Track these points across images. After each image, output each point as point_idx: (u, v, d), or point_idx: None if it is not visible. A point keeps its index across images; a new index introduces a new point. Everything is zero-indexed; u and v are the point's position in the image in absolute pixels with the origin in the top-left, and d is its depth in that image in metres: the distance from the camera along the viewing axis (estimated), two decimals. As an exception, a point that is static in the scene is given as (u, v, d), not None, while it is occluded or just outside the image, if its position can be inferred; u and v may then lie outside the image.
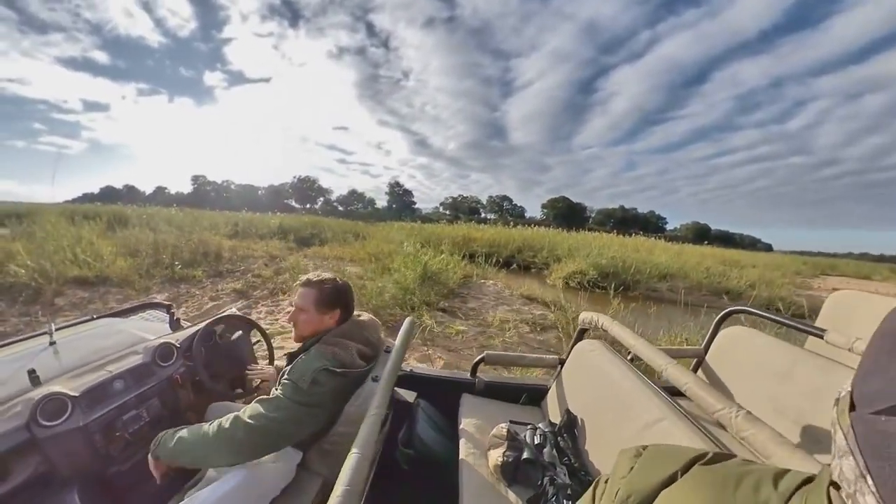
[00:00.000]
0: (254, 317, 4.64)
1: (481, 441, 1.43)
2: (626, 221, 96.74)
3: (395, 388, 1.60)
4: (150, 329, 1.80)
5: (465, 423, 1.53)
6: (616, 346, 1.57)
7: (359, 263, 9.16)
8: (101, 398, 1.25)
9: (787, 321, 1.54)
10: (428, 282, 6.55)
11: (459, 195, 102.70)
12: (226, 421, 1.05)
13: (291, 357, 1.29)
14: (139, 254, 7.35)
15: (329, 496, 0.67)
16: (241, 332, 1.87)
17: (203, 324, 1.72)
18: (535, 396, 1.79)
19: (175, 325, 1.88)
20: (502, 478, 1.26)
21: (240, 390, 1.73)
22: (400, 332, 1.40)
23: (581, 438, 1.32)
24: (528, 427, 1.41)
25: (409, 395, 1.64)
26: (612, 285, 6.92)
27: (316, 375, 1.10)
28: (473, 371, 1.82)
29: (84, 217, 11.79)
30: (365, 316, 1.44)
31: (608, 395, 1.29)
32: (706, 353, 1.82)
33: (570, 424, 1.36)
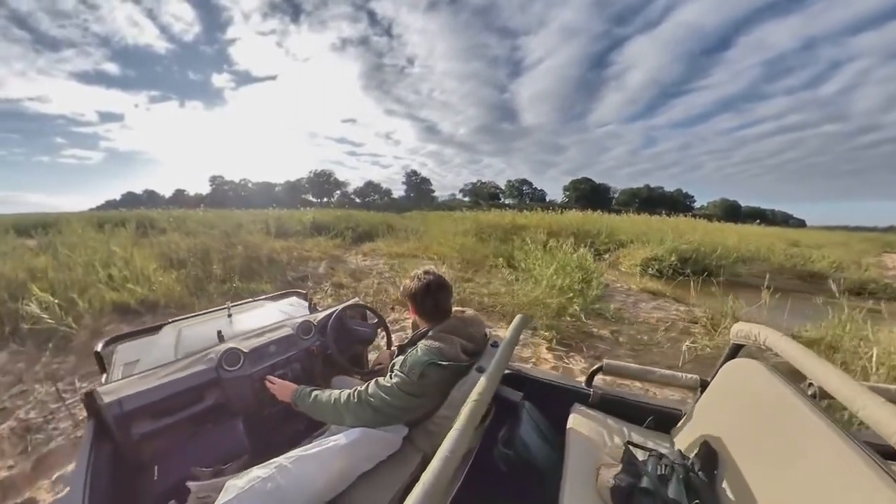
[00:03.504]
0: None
1: (591, 458, 1.30)
2: (653, 201, 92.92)
3: (501, 386, 1.48)
4: (295, 310, 2.26)
5: (575, 435, 1.40)
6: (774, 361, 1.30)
7: (443, 263, 7.70)
8: (261, 357, 1.61)
9: None
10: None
11: (478, 181, 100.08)
12: (352, 393, 1.24)
13: (402, 349, 1.40)
14: (184, 264, 6.12)
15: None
16: (364, 318, 2.14)
17: (336, 308, 1.94)
18: (663, 420, 1.50)
19: (312, 308, 2.31)
20: (611, 502, 1.12)
21: (359, 368, 1.87)
22: (510, 328, 1.40)
23: (721, 480, 1.10)
24: (651, 454, 1.19)
25: (514, 395, 1.50)
26: (698, 272, 6.44)
27: (424, 369, 1.19)
28: (589, 380, 1.64)
29: (111, 224, 10.81)
30: (469, 312, 1.48)
31: (770, 435, 1.03)
32: None
33: (709, 461, 1.14)
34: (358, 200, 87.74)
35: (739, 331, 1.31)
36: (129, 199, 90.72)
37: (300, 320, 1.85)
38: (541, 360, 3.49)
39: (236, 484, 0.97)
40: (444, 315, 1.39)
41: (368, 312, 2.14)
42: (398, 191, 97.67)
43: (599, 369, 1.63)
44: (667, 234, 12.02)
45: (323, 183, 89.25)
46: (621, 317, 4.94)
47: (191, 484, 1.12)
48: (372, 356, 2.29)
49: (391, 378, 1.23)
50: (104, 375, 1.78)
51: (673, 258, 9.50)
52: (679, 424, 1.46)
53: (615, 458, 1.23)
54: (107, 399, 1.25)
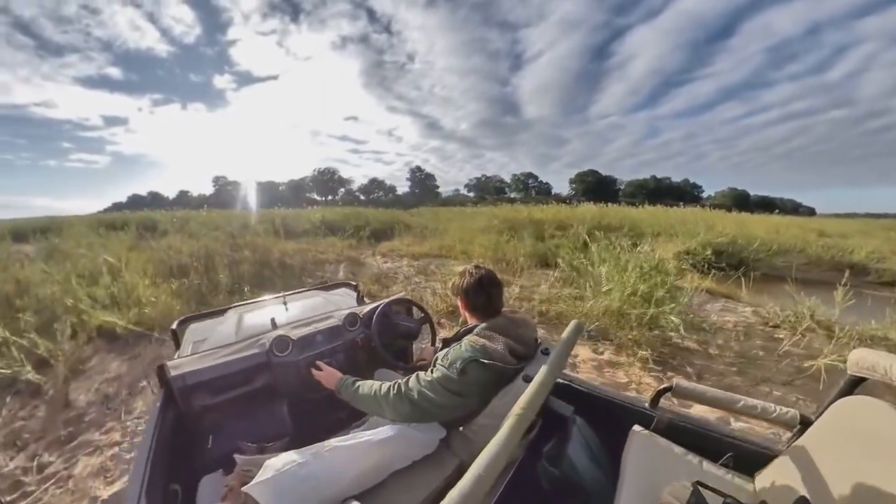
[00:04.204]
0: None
1: (650, 492, 1.14)
2: (660, 192, 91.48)
3: (551, 397, 1.41)
4: (343, 302, 2.34)
5: (633, 463, 1.24)
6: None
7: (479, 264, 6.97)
8: (308, 345, 1.66)
9: None
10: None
11: (483, 175, 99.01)
12: (392, 386, 1.22)
13: (446, 343, 1.35)
14: (186, 271, 5.47)
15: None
16: (409, 313, 2.16)
17: (382, 302, 1.95)
18: (744, 459, 1.24)
19: (360, 300, 2.42)
20: None
21: (403, 363, 1.86)
22: (564, 335, 1.29)
23: None
24: (727, 500, 1.01)
25: (565, 409, 1.39)
26: (734, 266, 5.89)
27: (465, 365, 1.14)
28: (654, 401, 1.40)
29: (108, 228, 10.20)
30: (520, 314, 1.42)
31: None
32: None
33: None
34: (362, 198, 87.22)
35: (860, 360, 1.04)
36: (135, 201, 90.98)
37: (347, 312, 1.88)
38: (642, 387, 2.83)
39: (274, 464, 0.99)
40: (495, 312, 1.36)
41: (414, 307, 2.16)
42: (402, 187, 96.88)
43: (667, 390, 1.41)
44: (695, 225, 11.38)
45: (327, 181, 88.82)
46: (693, 322, 4.25)
47: (237, 456, 1.17)
48: (417, 352, 2.26)
49: (432, 372, 1.21)
50: (177, 351, 1.93)
51: (708, 252, 8.87)
52: (767, 468, 1.22)
53: (679, 498, 1.06)
54: (173, 373, 1.37)
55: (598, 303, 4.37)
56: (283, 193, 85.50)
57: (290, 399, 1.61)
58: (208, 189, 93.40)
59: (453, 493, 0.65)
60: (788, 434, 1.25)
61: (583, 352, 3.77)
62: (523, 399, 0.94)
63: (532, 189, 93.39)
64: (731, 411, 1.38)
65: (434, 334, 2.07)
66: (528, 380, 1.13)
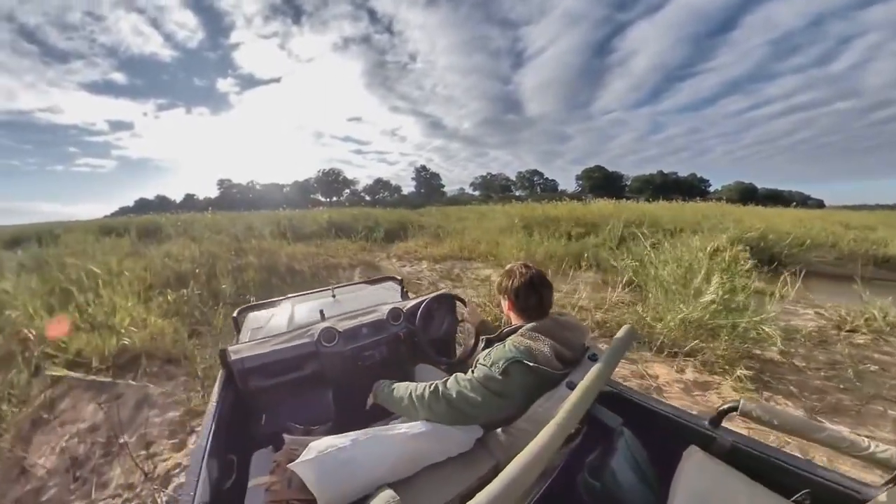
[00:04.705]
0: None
1: None
2: (667, 187, 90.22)
3: (598, 406, 1.32)
4: (388, 296, 2.41)
5: (685, 486, 1.08)
6: None
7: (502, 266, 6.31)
8: (353, 337, 1.75)
9: None
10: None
11: (488, 174, 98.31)
12: (429, 387, 1.19)
13: (489, 342, 1.33)
14: (185, 281, 4.86)
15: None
16: (453, 309, 2.14)
17: (426, 298, 1.98)
18: (825, 500, 1.01)
19: (404, 295, 2.46)
20: None
21: (445, 359, 1.88)
22: (614, 341, 1.24)
23: None
24: None
25: (612, 420, 1.29)
26: (765, 262, 5.40)
27: (508, 365, 1.11)
28: (716, 420, 1.21)
29: (116, 232, 9.67)
30: (568, 316, 1.36)
31: None
32: None
33: None
34: (367, 198, 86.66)
35: None
36: (142, 205, 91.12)
37: (391, 306, 1.93)
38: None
39: (317, 446, 1.03)
40: (543, 313, 1.30)
41: (458, 304, 2.14)
42: (407, 187, 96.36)
43: (733, 409, 1.16)
44: (721, 219, 10.72)
45: (332, 182, 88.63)
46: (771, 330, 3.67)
47: (286, 436, 1.22)
48: (459, 349, 2.24)
49: (473, 372, 1.18)
50: (237, 336, 2.05)
51: (739, 247, 8.33)
52: None
53: None
54: (233, 357, 1.53)
55: (672, 311, 3.72)
56: (287, 195, 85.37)
57: (335, 387, 1.70)
58: (214, 192, 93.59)
59: (485, 493, 0.66)
60: (884, 474, 1.02)
61: (661, 371, 3.15)
62: (566, 406, 0.92)
63: (537, 186, 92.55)
64: (811, 440, 1.12)
65: (477, 332, 1.95)
66: (571, 387, 1.09)
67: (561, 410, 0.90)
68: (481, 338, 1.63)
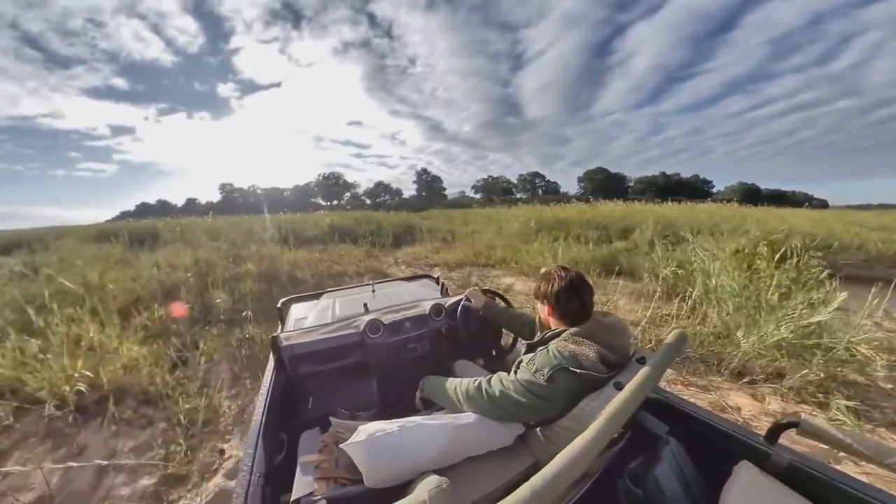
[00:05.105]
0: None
1: None
2: (670, 188, 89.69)
3: (643, 412, 1.28)
4: (426, 293, 2.40)
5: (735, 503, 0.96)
6: None
7: (525, 272, 5.73)
8: (397, 329, 1.81)
9: None
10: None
11: (489, 176, 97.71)
12: (473, 382, 1.22)
13: (530, 347, 1.31)
14: (176, 292, 4.34)
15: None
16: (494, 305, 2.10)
17: (465, 295, 1.96)
18: None
19: (444, 292, 2.51)
20: None
21: (484, 355, 1.93)
22: (664, 345, 1.19)
23: None
24: None
25: (658, 427, 1.23)
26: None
27: (554, 373, 1.09)
28: (772, 436, 1.10)
29: (115, 237, 9.17)
30: (611, 317, 1.29)
31: None
32: None
33: None
34: (368, 202, 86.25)
35: None
36: (143, 210, 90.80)
37: (433, 302, 1.98)
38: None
39: (367, 429, 1.06)
40: (586, 316, 1.24)
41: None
42: (408, 190, 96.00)
43: (792, 425, 1.06)
44: (741, 221, 10.15)
45: (332, 185, 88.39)
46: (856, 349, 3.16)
47: (332, 419, 1.33)
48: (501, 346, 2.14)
49: (516, 374, 1.18)
50: (280, 325, 2.19)
51: (764, 250, 7.80)
52: None
53: None
54: (284, 343, 1.64)
55: (747, 328, 3.19)
56: (288, 199, 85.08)
57: (378, 376, 1.77)
58: (216, 196, 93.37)
59: (524, 489, 0.66)
60: None
61: (741, 401, 2.64)
62: (611, 408, 0.90)
63: (539, 189, 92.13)
64: (882, 467, 0.94)
65: (516, 333, 1.93)
66: (619, 387, 1.05)
67: (606, 411, 0.89)
68: (520, 341, 1.75)
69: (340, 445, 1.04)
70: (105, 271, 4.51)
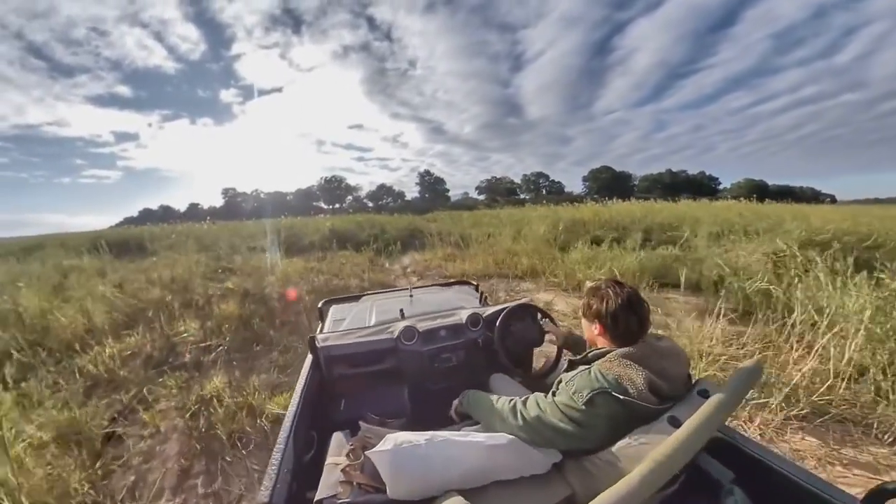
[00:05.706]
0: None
1: None
2: (676, 186, 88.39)
3: (704, 454, 1.06)
4: (465, 300, 2.36)
5: None
6: None
7: (565, 288, 4.82)
8: (432, 338, 1.77)
9: None
10: None
11: (492, 177, 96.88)
12: (507, 403, 1.15)
13: (572, 364, 1.21)
14: (141, 320, 3.52)
15: None
16: (534, 320, 1.96)
17: (507, 306, 1.88)
18: None
19: (483, 301, 2.45)
20: None
21: (521, 370, 1.80)
22: (734, 377, 0.98)
23: None
24: None
25: (721, 473, 1.02)
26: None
27: (593, 396, 0.98)
28: (872, 500, 0.84)
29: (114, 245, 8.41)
30: (665, 340, 1.12)
31: None
32: None
33: None
34: (371, 205, 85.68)
35: None
36: (146, 215, 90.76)
37: (470, 311, 1.90)
38: None
39: (395, 439, 1.03)
40: (637, 338, 1.09)
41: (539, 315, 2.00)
42: (411, 193, 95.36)
43: (889, 494, 0.79)
44: (778, 220, 9.31)
45: (334, 189, 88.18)
46: None
47: (362, 423, 1.28)
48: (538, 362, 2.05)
49: (553, 395, 1.10)
50: (320, 325, 2.21)
51: (809, 252, 6.85)
52: None
53: None
54: (320, 344, 1.65)
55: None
56: (290, 202, 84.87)
57: (411, 384, 1.74)
58: (219, 201, 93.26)
59: None
60: None
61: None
62: (666, 446, 0.79)
63: (543, 189, 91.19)
64: None
65: (559, 350, 1.82)
66: (675, 423, 0.92)
67: (659, 450, 0.78)
68: (564, 357, 1.69)
69: (366, 452, 1.03)
70: (52, 298, 3.69)
